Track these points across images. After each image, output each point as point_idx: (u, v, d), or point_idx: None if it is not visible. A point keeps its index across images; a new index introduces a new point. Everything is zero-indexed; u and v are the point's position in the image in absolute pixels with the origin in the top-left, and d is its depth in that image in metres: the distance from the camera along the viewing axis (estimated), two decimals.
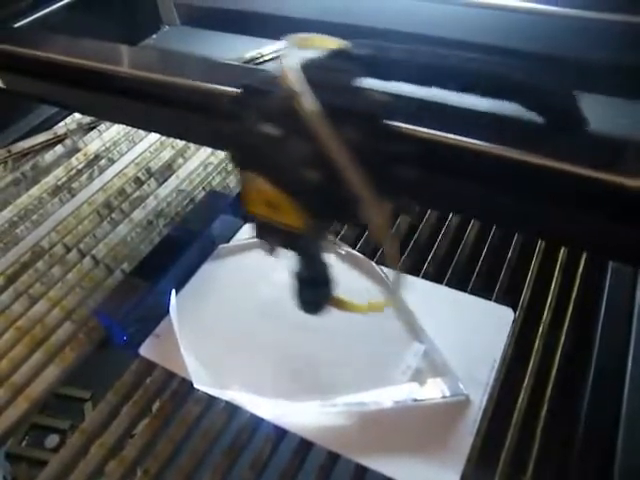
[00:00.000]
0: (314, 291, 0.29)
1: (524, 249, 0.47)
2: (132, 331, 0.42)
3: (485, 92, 0.24)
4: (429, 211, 0.51)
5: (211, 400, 0.39)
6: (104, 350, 0.44)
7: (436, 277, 0.45)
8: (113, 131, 0.62)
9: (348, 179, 0.23)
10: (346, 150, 0.22)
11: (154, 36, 0.76)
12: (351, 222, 0.25)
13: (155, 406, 0.40)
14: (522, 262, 0.46)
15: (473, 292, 0.44)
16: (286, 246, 0.28)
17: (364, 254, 0.46)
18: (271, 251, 0.29)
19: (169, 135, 0.54)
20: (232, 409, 0.39)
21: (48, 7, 0.63)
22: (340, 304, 0.29)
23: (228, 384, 0.39)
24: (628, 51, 0.48)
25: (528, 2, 0.51)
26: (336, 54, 0.26)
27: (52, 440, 0.54)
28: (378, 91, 0.24)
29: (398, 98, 0.25)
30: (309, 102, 0.22)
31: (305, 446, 0.36)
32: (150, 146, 0.60)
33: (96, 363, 0.45)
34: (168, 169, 0.58)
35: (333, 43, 0.26)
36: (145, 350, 0.42)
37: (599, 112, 0.36)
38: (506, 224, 0.37)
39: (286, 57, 0.24)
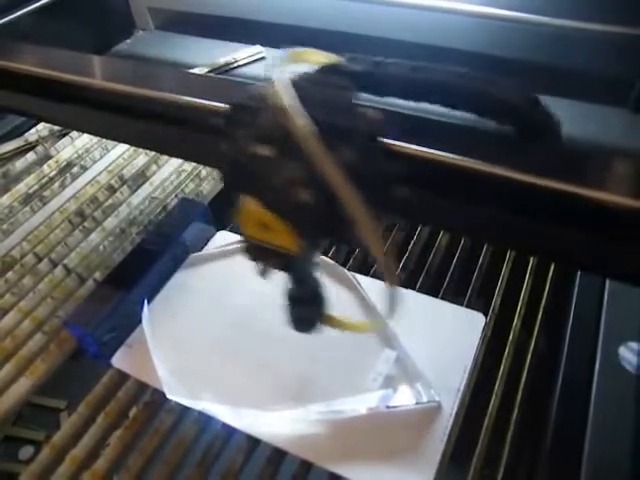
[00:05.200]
0: (306, 309, 0.28)
1: (495, 255, 0.47)
2: (104, 341, 0.42)
3: (468, 109, 0.23)
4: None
5: (184, 410, 0.39)
6: (76, 361, 0.44)
7: (408, 283, 0.46)
8: (85, 138, 0.61)
9: (343, 201, 0.21)
10: (341, 170, 0.21)
11: (128, 41, 0.75)
12: (345, 243, 0.24)
13: (128, 417, 0.40)
14: (493, 268, 0.46)
15: (445, 297, 0.44)
16: (280, 268, 0.27)
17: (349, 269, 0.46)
18: (263, 272, 0.28)
19: (147, 148, 0.53)
20: (205, 419, 0.39)
21: (18, 11, 0.62)
22: (336, 323, 0.28)
23: (201, 394, 0.39)
24: (600, 59, 0.49)
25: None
26: (328, 69, 0.25)
27: (26, 452, 0.53)
28: (372, 108, 0.23)
29: (391, 115, 0.23)
30: (301, 120, 0.21)
31: (278, 455, 0.36)
32: (123, 153, 0.60)
33: (69, 375, 0.44)
34: (141, 176, 0.58)
35: (326, 57, 0.25)
36: (117, 361, 0.42)
37: (568, 117, 0.37)
38: (498, 241, 0.35)
39: (276, 72, 0.23)
